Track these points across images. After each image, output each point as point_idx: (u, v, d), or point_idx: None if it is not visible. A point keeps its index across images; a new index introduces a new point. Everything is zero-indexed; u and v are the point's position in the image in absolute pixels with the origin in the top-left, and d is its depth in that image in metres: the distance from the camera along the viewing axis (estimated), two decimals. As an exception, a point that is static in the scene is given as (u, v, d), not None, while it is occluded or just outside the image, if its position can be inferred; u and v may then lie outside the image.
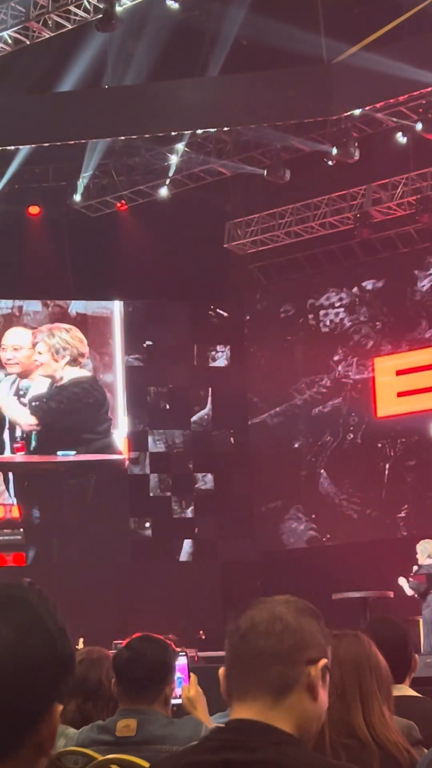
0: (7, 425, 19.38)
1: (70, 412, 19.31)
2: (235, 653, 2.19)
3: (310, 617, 2.21)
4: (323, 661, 2.18)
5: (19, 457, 19.42)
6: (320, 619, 2.23)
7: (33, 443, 19.27)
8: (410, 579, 13.69)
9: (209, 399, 20.50)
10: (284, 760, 2.02)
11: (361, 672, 3.17)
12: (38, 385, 19.23)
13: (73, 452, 19.35)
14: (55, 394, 19.19)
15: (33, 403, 19.16)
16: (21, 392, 19.30)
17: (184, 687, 4.35)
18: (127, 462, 19.87)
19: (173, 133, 17.99)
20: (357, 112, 17.02)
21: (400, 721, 3.34)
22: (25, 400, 19.20)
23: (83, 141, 17.94)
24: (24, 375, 19.34)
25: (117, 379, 20.10)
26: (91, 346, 19.77)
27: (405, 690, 4.10)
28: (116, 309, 20.34)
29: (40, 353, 19.23)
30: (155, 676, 3.87)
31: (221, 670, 2.22)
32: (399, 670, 4.05)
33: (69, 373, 19.24)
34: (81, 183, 19.33)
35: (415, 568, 13.79)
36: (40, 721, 1.48)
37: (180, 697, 4.36)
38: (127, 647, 3.95)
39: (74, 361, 19.37)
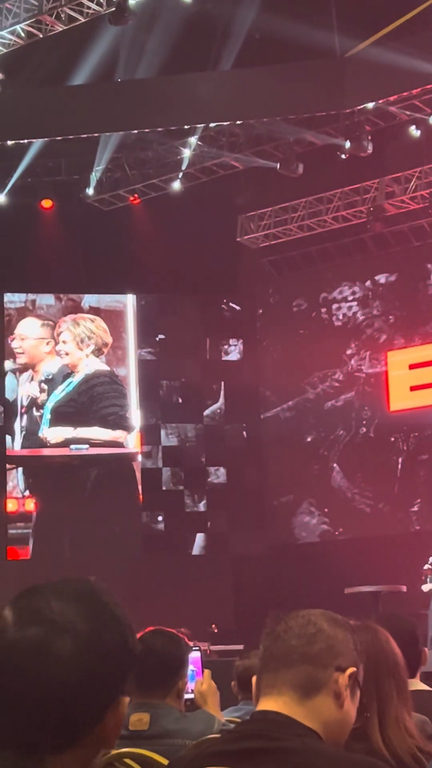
0: (19, 417, 19.53)
1: (95, 412, 19.53)
2: (267, 653, 2.24)
3: (345, 629, 2.26)
4: (352, 669, 2.20)
5: (31, 451, 19.53)
6: (354, 634, 2.26)
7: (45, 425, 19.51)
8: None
9: (222, 393, 20.50)
10: (306, 750, 2.03)
11: (379, 675, 3.08)
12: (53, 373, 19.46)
13: (86, 446, 19.43)
14: (78, 394, 19.38)
15: (60, 410, 19.34)
16: (42, 383, 19.49)
17: (196, 681, 4.35)
18: (139, 455, 19.90)
19: (186, 127, 17.98)
20: (370, 105, 16.99)
21: (414, 716, 3.32)
22: (49, 404, 19.39)
23: (96, 134, 17.93)
24: (31, 365, 19.49)
25: (130, 373, 20.14)
26: (104, 339, 19.97)
27: (416, 684, 4.09)
28: (129, 303, 20.38)
29: (64, 342, 19.55)
30: (168, 670, 3.87)
31: (254, 678, 2.25)
32: (409, 665, 4.03)
33: (92, 364, 19.48)
34: (93, 177, 19.34)
35: (431, 559, 13.79)
36: (108, 712, 1.51)
37: (192, 691, 4.36)
38: (139, 641, 3.95)
39: (98, 351, 19.66)
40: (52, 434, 19.45)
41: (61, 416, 19.50)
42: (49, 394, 19.53)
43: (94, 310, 20.10)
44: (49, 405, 19.48)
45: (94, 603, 1.53)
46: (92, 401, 19.67)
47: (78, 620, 1.50)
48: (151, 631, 4.01)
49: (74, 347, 19.58)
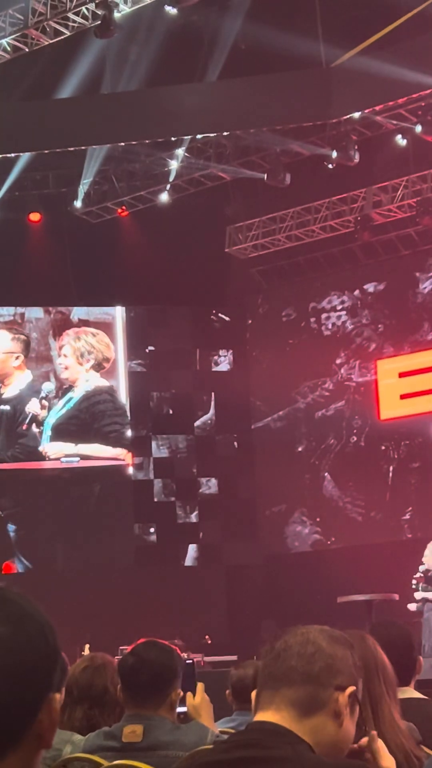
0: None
1: (96, 430, 19.54)
2: (267, 672, 2.22)
3: (344, 646, 2.24)
4: (351, 688, 2.19)
5: (22, 464, 19.49)
6: (353, 650, 2.25)
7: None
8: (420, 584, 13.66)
9: (212, 404, 20.50)
10: (298, 758, 2.03)
11: (370, 676, 3.08)
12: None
13: (77, 459, 19.39)
14: (79, 411, 19.38)
15: (61, 427, 19.32)
16: (44, 399, 19.43)
17: (188, 695, 4.35)
18: (130, 467, 19.88)
19: (173, 139, 18.01)
20: (356, 115, 17.02)
21: (402, 723, 3.31)
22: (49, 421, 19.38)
23: (83, 147, 17.95)
24: None
25: (120, 385, 20.12)
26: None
27: (410, 692, 4.09)
28: (118, 315, 20.37)
29: (65, 356, 19.52)
30: (160, 682, 3.86)
31: (254, 693, 2.24)
32: (404, 673, 4.03)
33: (92, 379, 19.48)
34: (81, 189, 19.35)
35: (421, 567, 13.78)
36: (40, 712, 1.50)
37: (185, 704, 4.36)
38: (131, 653, 3.95)
39: (98, 366, 19.66)
40: (53, 449, 19.41)
41: (62, 433, 19.45)
42: (48, 410, 19.48)
43: (83, 323, 20.09)
44: (50, 421, 19.41)
45: (7, 604, 1.52)
46: (94, 419, 19.67)
47: None
48: (143, 642, 4.01)
49: (74, 361, 19.56)
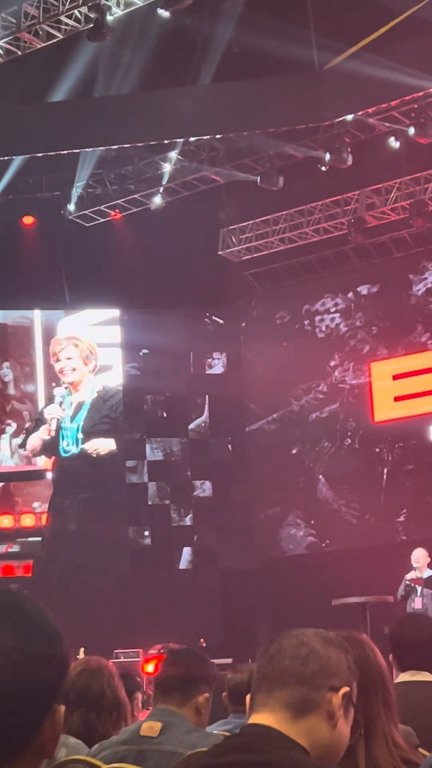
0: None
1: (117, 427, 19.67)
2: (261, 674, 2.23)
3: (338, 649, 2.25)
4: (345, 689, 2.19)
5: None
6: (348, 653, 2.25)
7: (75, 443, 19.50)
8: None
9: (206, 406, 20.50)
10: (292, 763, 2.02)
11: (367, 693, 2.96)
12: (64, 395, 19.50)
13: None
14: (110, 410, 19.50)
15: (95, 428, 19.36)
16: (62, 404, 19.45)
17: None
18: (47, 474, 19.76)
19: (166, 142, 18.01)
20: (349, 117, 17.04)
21: (400, 728, 3.27)
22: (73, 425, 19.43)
23: (76, 151, 17.95)
24: None
25: (114, 388, 20.20)
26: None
27: (427, 676, 4.09)
28: (36, 318, 20.20)
29: (69, 358, 19.45)
30: (187, 679, 3.97)
31: (248, 697, 2.25)
32: (426, 662, 4.06)
33: (95, 380, 19.58)
34: (75, 193, 19.35)
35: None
36: (43, 723, 1.49)
37: None
38: (170, 651, 4.13)
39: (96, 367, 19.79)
40: (102, 444, 19.42)
41: (96, 434, 19.45)
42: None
43: (2, 327, 20.12)
44: (74, 425, 19.32)
45: (17, 614, 1.51)
46: (125, 416, 19.87)
47: (2, 635, 1.47)
48: (181, 647, 4.18)
49: (81, 364, 19.57)
